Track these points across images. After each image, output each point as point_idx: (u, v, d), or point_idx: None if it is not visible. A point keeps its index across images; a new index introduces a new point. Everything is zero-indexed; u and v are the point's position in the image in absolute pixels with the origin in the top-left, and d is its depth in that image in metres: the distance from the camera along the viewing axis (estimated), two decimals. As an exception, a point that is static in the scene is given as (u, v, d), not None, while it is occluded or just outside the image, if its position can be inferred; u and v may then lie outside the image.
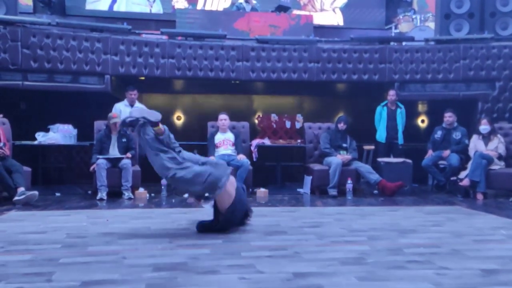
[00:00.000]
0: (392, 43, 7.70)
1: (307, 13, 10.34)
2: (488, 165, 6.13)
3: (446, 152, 6.54)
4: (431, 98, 7.60)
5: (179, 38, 7.21)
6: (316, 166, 6.46)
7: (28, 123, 6.65)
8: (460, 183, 6.15)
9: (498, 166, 6.25)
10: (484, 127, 6.45)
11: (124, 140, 6.12)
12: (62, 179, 6.90)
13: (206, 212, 5.06)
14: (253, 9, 8.39)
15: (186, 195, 5.73)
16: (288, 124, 7.25)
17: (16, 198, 5.14)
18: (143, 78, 7.05)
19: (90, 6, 9.91)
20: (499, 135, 6.51)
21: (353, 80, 7.37)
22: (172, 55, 6.98)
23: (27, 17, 7.50)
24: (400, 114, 7.09)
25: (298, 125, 7.31)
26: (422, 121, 8.44)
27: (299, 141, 6.92)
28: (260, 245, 3.41)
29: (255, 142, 6.94)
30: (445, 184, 6.57)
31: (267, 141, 6.93)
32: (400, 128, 7.07)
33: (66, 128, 6.41)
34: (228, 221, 3.73)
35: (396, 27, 9.82)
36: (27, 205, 5.14)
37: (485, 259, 3.03)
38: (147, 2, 10.16)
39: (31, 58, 6.43)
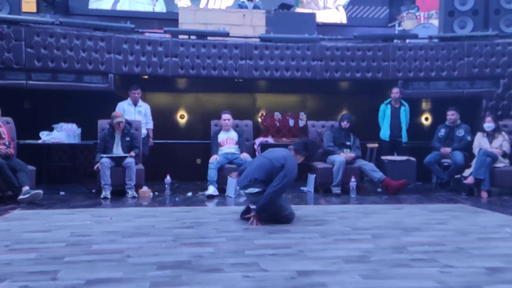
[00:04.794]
0: (395, 41, 7.67)
1: (310, 11, 10.32)
2: (493, 163, 6.11)
3: (446, 149, 6.52)
4: (435, 96, 7.57)
5: (182, 36, 7.21)
6: (320, 164, 6.44)
7: (32, 122, 6.67)
8: (465, 181, 6.13)
9: (502, 164, 6.22)
10: (489, 124, 6.42)
11: (127, 139, 6.13)
12: (66, 178, 6.91)
13: (208, 211, 5.08)
14: (256, 7, 8.37)
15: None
16: (291, 122, 7.25)
17: (20, 197, 5.16)
18: (146, 76, 7.05)
19: (93, 5, 9.95)
20: (503, 133, 6.48)
21: (356, 78, 7.34)
22: (175, 53, 6.97)
23: (30, 16, 7.52)
24: (404, 112, 7.07)
25: (301, 123, 7.30)
26: (426, 119, 8.42)
27: (302, 139, 6.92)
28: (263, 243, 3.42)
29: (259, 140, 6.94)
30: (448, 182, 6.55)
31: (270, 140, 6.93)
32: (404, 126, 7.05)
33: (70, 127, 6.43)
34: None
35: (399, 25, 9.78)
36: (32, 204, 5.15)
37: (489, 257, 3.03)
38: (150, 1, 10.17)
39: (35, 57, 6.45)
